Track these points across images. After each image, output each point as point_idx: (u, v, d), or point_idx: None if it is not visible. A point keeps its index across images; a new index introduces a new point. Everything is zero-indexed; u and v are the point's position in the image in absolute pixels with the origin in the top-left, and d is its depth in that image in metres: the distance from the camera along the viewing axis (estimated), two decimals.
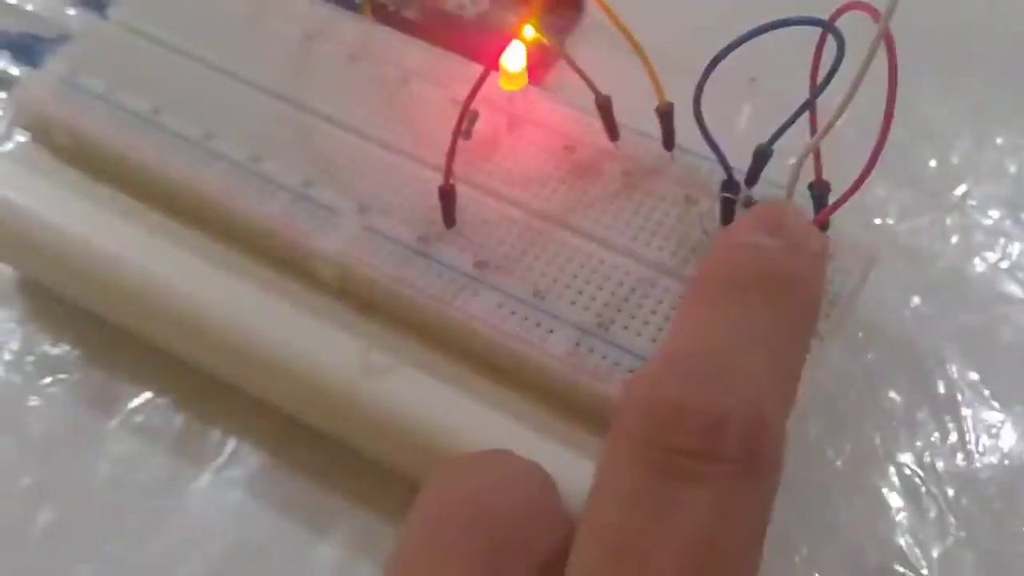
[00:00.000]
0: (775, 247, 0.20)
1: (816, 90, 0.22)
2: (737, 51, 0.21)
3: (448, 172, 0.23)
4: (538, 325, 0.23)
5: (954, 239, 0.30)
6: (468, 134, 0.24)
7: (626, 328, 0.23)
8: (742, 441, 0.17)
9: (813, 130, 0.22)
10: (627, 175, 0.25)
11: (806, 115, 0.22)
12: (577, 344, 0.23)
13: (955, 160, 0.31)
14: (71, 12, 0.32)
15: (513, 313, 0.23)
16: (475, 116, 0.24)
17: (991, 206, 0.30)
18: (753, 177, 0.24)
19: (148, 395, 0.27)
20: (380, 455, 0.24)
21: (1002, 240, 0.30)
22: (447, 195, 0.24)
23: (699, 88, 0.22)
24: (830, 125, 0.20)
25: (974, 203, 0.30)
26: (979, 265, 0.29)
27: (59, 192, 0.27)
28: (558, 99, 0.27)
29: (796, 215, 0.21)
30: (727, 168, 0.23)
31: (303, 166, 0.26)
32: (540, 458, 0.21)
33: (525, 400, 0.23)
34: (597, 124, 0.26)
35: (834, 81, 0.21)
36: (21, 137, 0.29)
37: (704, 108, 0.22)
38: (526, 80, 0.26)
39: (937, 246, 0.30)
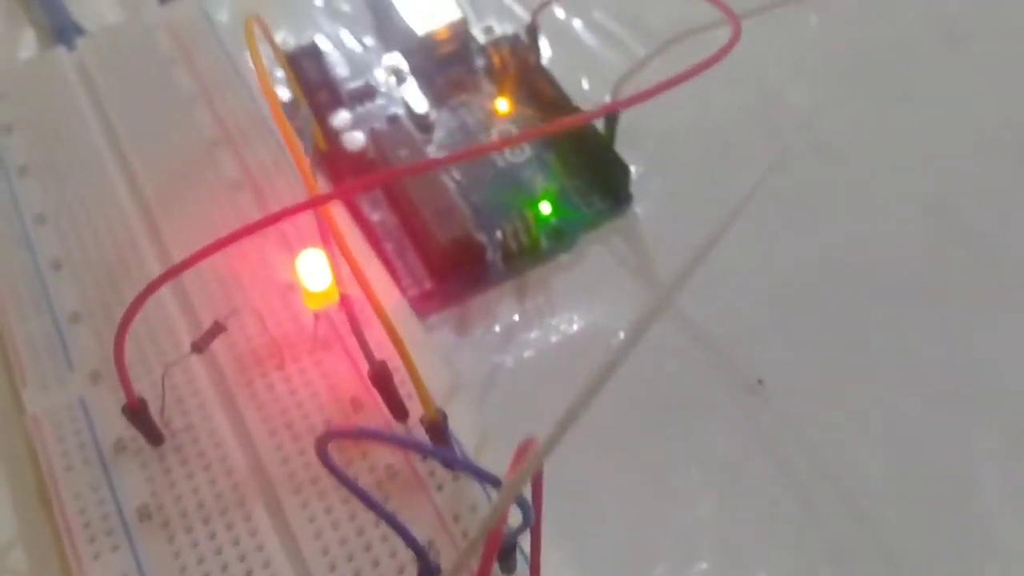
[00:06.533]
0: None
1: None
2: None
3: (127, 384, 0.18)
4: None
5: None
6: (200, 347, 0.19)
7: None
8: None
9: None
10: (392, 476, 0.19)
11: None
12: None
13: None
14: None
15: None
16: (218, 330, 0.19)
17: None
18: None
19: None
20: None
21: None
22: (133, 413, 0.19)
23: None
24: None
25: None
26: None
27: None
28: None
29: None
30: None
31: (89, 293, 0.22)
32: None
33: None
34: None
35: None
36: None
37: None
38: (334, 297, 0.20)
39: None
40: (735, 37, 0.18)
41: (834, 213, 0.26)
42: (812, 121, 0.28)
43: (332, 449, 0.16)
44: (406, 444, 0.16)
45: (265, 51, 0.21)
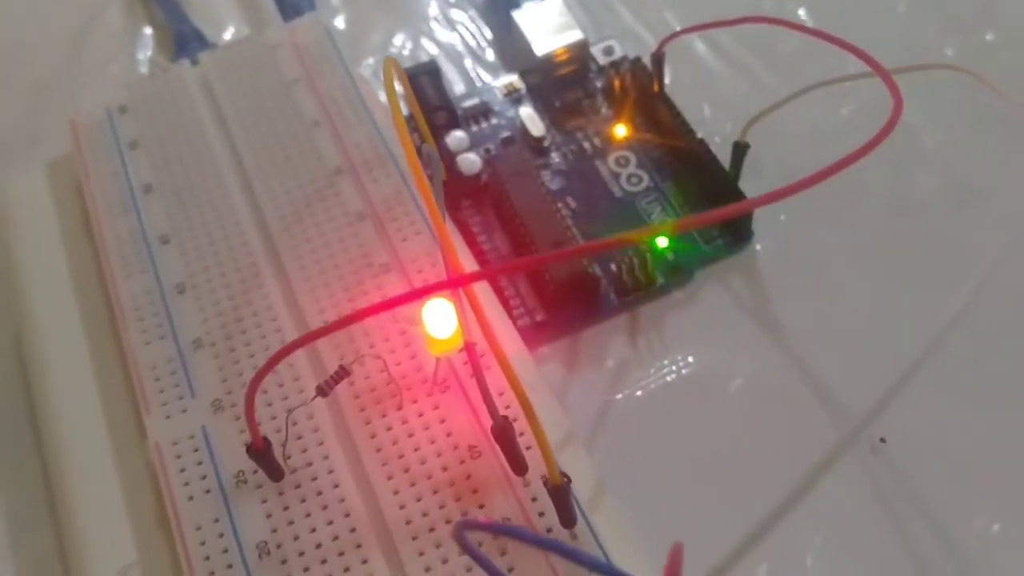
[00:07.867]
0: None
1: None
2: None
3: (254, 430, 0.18)
4: None
5: None
6: (325, 392, 0.19)
7: None
8: None
9: None
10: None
11: None
12: None
13: None
14: None
15: None
16: (344, 375, 0.19)
17: None
18: None
19: None
20: None
21: None
22: (258, 453, 0.19)
23: None
24: None
25: None
26: None
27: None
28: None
29: None
30: None
31: (211, 320, 0.22)
32: None
33: None
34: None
35: None
36: None
37: None
38: (458, 343, 0.20)
39: None
40: (896, 113, 0.17)
41: (968, 261, 0.25)
42: (946, 159, 0.27)
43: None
44: (548, 546, 0.16)
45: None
